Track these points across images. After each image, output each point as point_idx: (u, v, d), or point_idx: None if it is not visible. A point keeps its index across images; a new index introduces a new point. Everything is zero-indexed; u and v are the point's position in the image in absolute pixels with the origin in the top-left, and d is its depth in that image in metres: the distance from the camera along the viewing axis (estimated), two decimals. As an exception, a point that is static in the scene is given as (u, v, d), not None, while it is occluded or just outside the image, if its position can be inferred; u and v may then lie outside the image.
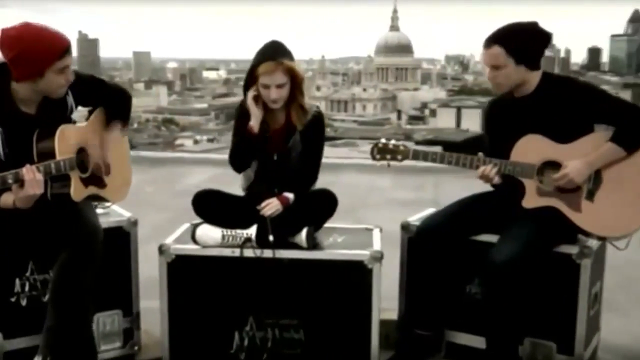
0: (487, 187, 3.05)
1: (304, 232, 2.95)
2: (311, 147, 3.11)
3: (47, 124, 2.71)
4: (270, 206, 2.99)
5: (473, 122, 71.49)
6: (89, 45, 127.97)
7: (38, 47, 2.58)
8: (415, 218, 3.24)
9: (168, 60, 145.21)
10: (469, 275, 3.06)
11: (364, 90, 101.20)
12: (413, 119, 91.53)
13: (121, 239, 3.10)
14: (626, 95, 55.83)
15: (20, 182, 2.53)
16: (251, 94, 3.03)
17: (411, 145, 3.18)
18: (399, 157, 3.04)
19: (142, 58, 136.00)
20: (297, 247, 2.98)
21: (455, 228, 3.02)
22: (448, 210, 3.10)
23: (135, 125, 76.28)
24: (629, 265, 3.29)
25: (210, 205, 3.07)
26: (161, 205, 5.98)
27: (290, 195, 3.04)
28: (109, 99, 3.00)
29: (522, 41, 2.84)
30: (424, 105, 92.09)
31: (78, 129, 2.88)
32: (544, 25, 2.88)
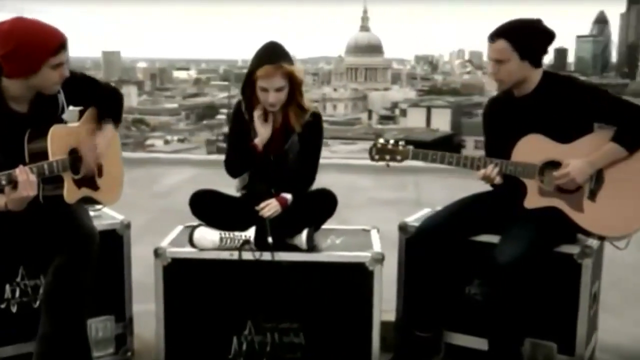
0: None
1: (304, 233, 2.90)
2: (309, 148, 3.07)
3: (38, 124, 2.61)
4: (270, 207, 2.94)
5: (443, 122, 72.03)
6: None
7: (33, 42, 2.48)
8: (413, 219, 3.21)
9: (138, 60, 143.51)
10: (468, 276, 3.04)
11: (335, 90, 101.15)
12: (384, 118, 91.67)
13: (114, 242, 3.02)
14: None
15: (13, 183, 2.43)
16: (257, 113, 2.97)
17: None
18: (399, 157, 3.00)
19: (111, 58, 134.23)
20: (296, 249, 2.93)
21: (455, 228, 2.99)
22: (447, 210, 3.07)
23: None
24: (614, 264, 3.31)
25: (207, 206, 3.01)
26: (142, 207, 5.87)
27: (288, 196, 3.00)
28: (101, 98, 2.92)
29: (527, 36, 2.83)
30: (395, 105, 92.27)
31: (70, 129, 2.79)
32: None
